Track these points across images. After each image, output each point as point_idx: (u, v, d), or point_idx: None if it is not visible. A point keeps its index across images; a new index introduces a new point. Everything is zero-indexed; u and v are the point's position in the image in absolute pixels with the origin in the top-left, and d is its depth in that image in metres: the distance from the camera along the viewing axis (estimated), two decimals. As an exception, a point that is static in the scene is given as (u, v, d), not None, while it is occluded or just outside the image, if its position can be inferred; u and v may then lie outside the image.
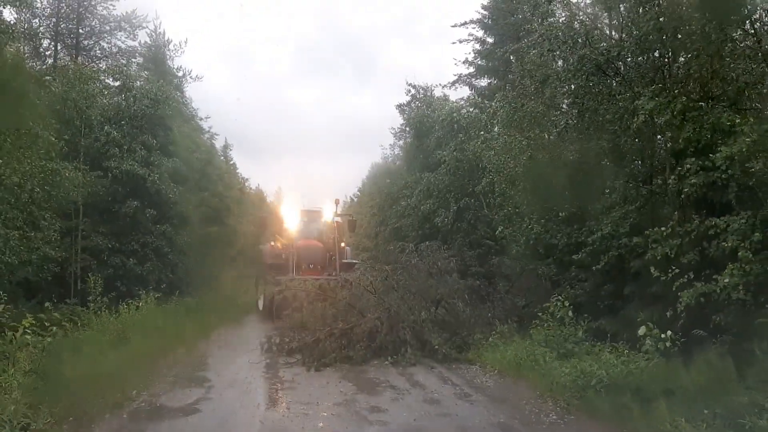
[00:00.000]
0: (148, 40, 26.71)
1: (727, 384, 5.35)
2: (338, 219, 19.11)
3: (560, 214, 13.22)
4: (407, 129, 29.24)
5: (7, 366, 5.56)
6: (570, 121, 13.39)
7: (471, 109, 22.80)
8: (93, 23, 24.44)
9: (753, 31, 8.79)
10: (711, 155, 8.22)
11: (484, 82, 28.49)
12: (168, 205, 18.77)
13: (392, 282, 11.78)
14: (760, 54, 8.70)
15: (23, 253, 11.82)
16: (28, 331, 6.10)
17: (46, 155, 12.55)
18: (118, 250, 17.73)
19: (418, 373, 8.37)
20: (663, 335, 6.77)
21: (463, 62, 27.37)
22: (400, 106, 31.16)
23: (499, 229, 15.57)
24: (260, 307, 17.89)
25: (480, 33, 27.61)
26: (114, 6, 24.20)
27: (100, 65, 24.35)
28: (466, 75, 27.56)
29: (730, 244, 7.92)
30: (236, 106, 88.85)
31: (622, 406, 5.68)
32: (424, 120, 24.24)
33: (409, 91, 30.29)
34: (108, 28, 24.83)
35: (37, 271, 13.41)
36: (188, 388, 7.05)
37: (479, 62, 28.31)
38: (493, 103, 20.30)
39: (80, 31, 24.11)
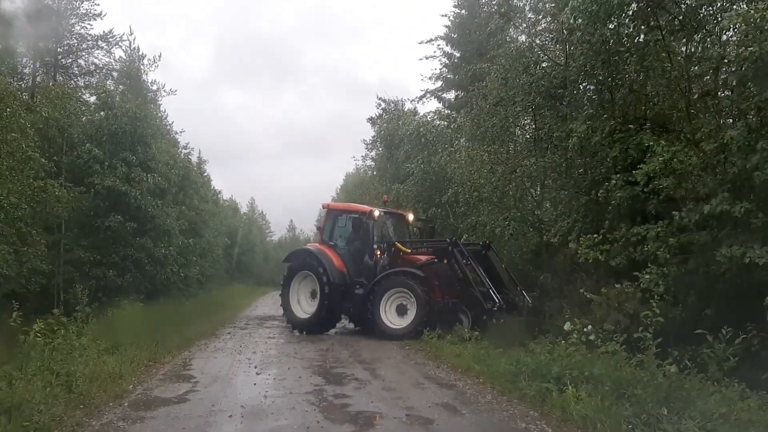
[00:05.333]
0: (123, 55, 27.39)
1: (620, 365, 6.55)
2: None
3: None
4: (378, 141, 30.30)
5: (24, 363, 6.47)
6: (527, 137, 14.62)
7: (438, 122, 23.81)
8: (71, 42, 25.09)
9: (669, 62, 10.02)
10: (635, 171, 9.43)
11: (451, 94, 29.77)
12: (147, 219, 19.48)
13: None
14: (678, 84, 9.93)
15: (15, 266, 12.62)
16: (39, 335, 7.02)
17: (36, 175, 13.35)
18: (100, 263, 18.45)
19: (380, 368, 9.39)
20: (585, 329, 7.90)
21: (429, 78, 28.74)
22: (371, 119, 32.41)
23: (464, 237, 16.63)
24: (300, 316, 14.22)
25: (447, 48, 28.94)
26: (91, 25, 24.91)
27: (79, 82, 25.08)
28: (433, 89, 28.91)
29: (650, 249, 9.15)
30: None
31: (544, 389, 6.79)
32: (394, 133, 25.23)
33: (380, 104, 31.57)
34: (85, 46, 25.51)
35: (27, 283, 14.18)
36: (177, 383, 7.94)
37: (447, 75, 29.59)
38: (458, 119, 21.46)
39: (59, 49, 24.72)
